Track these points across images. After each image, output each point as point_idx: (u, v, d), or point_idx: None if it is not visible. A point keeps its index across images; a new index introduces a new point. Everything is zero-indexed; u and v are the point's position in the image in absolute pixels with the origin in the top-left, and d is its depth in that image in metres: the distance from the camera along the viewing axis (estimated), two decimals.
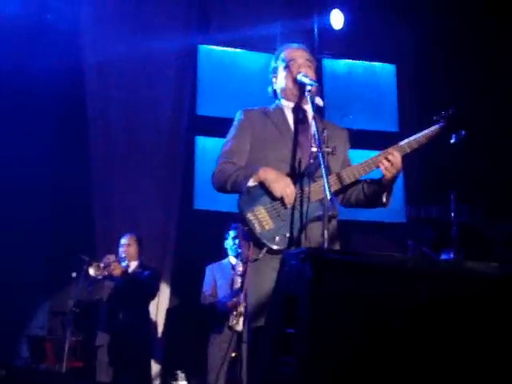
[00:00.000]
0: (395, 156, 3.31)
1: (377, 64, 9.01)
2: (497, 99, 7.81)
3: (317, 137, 3.10)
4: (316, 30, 8.34)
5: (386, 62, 8.96)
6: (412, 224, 7.76)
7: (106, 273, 6.32)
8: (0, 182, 6.76)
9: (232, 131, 3.55)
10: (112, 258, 6.43)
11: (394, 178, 3.35)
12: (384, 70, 9.01)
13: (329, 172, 3.12)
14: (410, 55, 8.55)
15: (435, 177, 7.18)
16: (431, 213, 7.00)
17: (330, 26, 8.29)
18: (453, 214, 5.66)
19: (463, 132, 3.40)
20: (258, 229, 3.23)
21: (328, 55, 8.75)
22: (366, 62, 8.98)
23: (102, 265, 6.29)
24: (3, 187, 6.78)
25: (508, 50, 7.84)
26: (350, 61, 8.95)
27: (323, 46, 8.50)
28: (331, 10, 8.30)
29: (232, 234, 6.48)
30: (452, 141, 3.45)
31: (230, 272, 6.38)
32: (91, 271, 6.23)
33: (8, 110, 6.91)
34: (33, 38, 7.02)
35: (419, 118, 7.95)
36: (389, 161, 3.31)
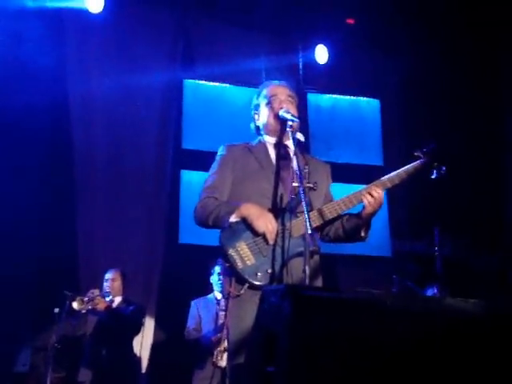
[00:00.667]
0: (378, 192, 3.34)
1: (361, 99, 9.08)
2: (479, 133, 7.90)
3: (298, 172, 3.11)
4: (301, 64, 8.41)
5: (370, 96, 9.03)
6: (397, 258, 7.77)
7: (90, 307, 6.26)
8: None
9: (214, 166, 3.57)
10: (96, 292, 6.37)
11: (374, 213, 3.39)
12: (368, 105, 9.08)
13: (310, 207, 3.13)
14: (393, 90, 8.63)
15: (419, 210, 7.20)
16: (416, 247, 7.00)
17: (314, 60, 8.37)
18: (437, 249, 5.68)
19: (443, 168, 3.42)
20: (239, 264, 3.23)
21: (313, 90, 8.81)
22: (351, 97, 9.05)
23: (85, 299, 6.24)
24: None
25: (490, 87, 7.94)
26: (335, 95, 9.01)
27: (308, 80, 8.57)
28: (316, 45, 8.39)
29: (217, 269, 6.45)
30: (433, 176, 3.46)
31: (215, 307, 6.34)
32: (75, 305, 6.17)
33: None
34: (16, 73, 7.00)
35: (404, 151, 8.00)
36: (372, 196, 3.33)
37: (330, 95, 8.96)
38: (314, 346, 2.29)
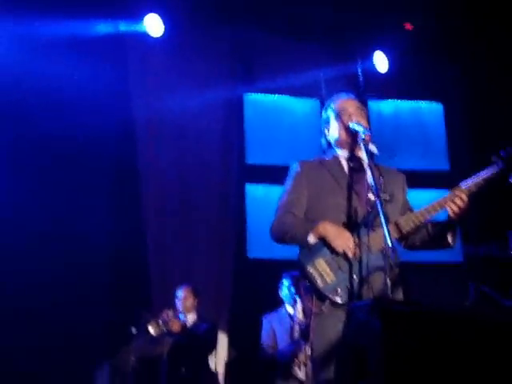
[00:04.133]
0: (463, 199, 3.30)
1: (423, 103, 8.99)
2: None
3: (374, 185, 3.10)
4: (360, 73, 8.37)
5: (432, 100, 8.93)
6: (471, 263, 7.62)
7: (165, 329, 6.31)
8: (60, 244, 6.85)
9: (289, 183, 3.57)
10: (170, 313, 6.41)
11: (460, 220, 3.34)
12: (431, 109, 8.99)
13: (387, 220, 3.10)
14: (456, 93, 8.51)
15: (491, 213, 7.06)
16: (491, 251, 6.87)
17: (373, 68, 8.33)
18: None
19: None
20: (319, 282, 3.23)
21: (373, 96, 8.76)
22: (412, 102, 8.97)
23: (160, 321, 6.28)
24: (63, 249, 6.86)
25: None
26: (396, 100, 8.95)
27: (367, 87, 8.52)
28: (373, 52, 8.35)
29: (286, 282, 6.42)
30: (511, 180, 3.41)
31: (288, 321, 6.30)
32: (151, 330, 6.21)
33: (64, 174, 7.06)
34: (82, 99, 7.16)
35: (470, 155, 7.88)
36: (455, 204, 3.29)
37: (392, 100, 8.90)
38: (406, 360, 2.28)
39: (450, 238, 3.43)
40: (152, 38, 7.73)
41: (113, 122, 7.34)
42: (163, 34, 7.74)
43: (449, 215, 3.33)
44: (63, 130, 6.86)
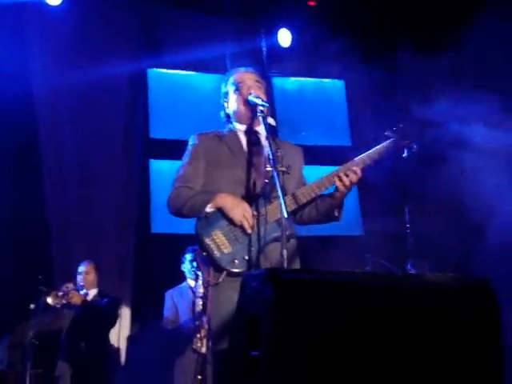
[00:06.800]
0: (356, 172, 3.36)
1: (326, 81, 9.11)
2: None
3: (271, 157, 3.12)
4: (264, 49, 8.39)
5: (334, 77, 9.06)
6: (369, 237, 7.81)
7: (65, 301, 6.22)
8: None
9: (186, 156, 3.57)
10: (70, 286, 6.34)
11: (347, 194, 3.42)
12: (334, 86, 9.12)
13: (284, 192, 3.12)
14: (357, 70, 8.63)
15: (389, 189, 7.24)
16: (388, 225, 7.06)
17: (278, 44, 8.36)
18: (408, 226, 5.76)
19: (415, 146, 3.46)
20: (216, 253, 3.25)
21: (277, 74, 8.81)
22: (316, 79, 9.07)
23: (60, 293, 6.20)
24: None
25: None
26: (300, 78, 9.03)
27: (272, 64, 8.56)
28: (278, 29, 8.38)
29: (189, 257, 6.45)
30: (404, 155, 3.50)
31: (190, 295, 6.33)
32: (49, 300, 6.13)
33: None
34: None
35: (371, 131, 8.03)
36: (347, 176, 3.35)
37: (295, 77, 8.98)
38: (297, 329, 2.31)
39: (336, 212, 3.51)
40: (51, 6, 7.43)
41: (12, 93, 7.09)
42: (62, 2, 7.44)
43: (338, 188, 3.39)
44: None
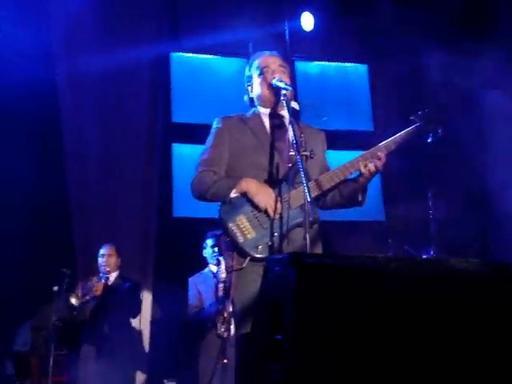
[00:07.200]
0: (381, 158, 3.34)
1: (348, 65, 9.07)
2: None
3: (294, 141, 3.11)
4: (287, 33, 8.35)
5: (357, 62, 9.01)
6: (391, 222, 7.77)
7: (88, 297, 6.31)
8: None
9: (210, 139, 3.55)
10: (94, 279, 6.42)
11: (371, 179, 3.39)
12: (356, 70, 9.07)
13: (308, 176, 3.12)
14: (381, 55, 8.57)
15: (412, 174, 7.20)
16: (410, 210, 7.01)
17: (300, 28, 8.31)
18: (431, 211, 5.72)
19: (440, 130, 3.43)
20: (240, 238, 3.24)
21: (300, 57, 8.78)
22: (338, 63, 9.03)
23: (80, 293, 6.27)
24: None
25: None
26: (323, 62, 8.99)
27: (295, 48, 8.51)
28: (301, 12, 8.33)
29: (210, 242, 6.45)
30: (429, 140, 3.48)
31: (213, 281, 6.32)
32: (73, 301, 6.19)
33: None
34: (3, 56, 6.95)
35: (393, 116, 7.98)
36: (372, 162, 3.33)
37: (318, 61, 8.94)
38: (321, 313, 2.31)
39: (360, 196, 3.48)
40: None
41: (35, 76, 7.11)
42: None
43: (362, 173, 3.36)
44: None
